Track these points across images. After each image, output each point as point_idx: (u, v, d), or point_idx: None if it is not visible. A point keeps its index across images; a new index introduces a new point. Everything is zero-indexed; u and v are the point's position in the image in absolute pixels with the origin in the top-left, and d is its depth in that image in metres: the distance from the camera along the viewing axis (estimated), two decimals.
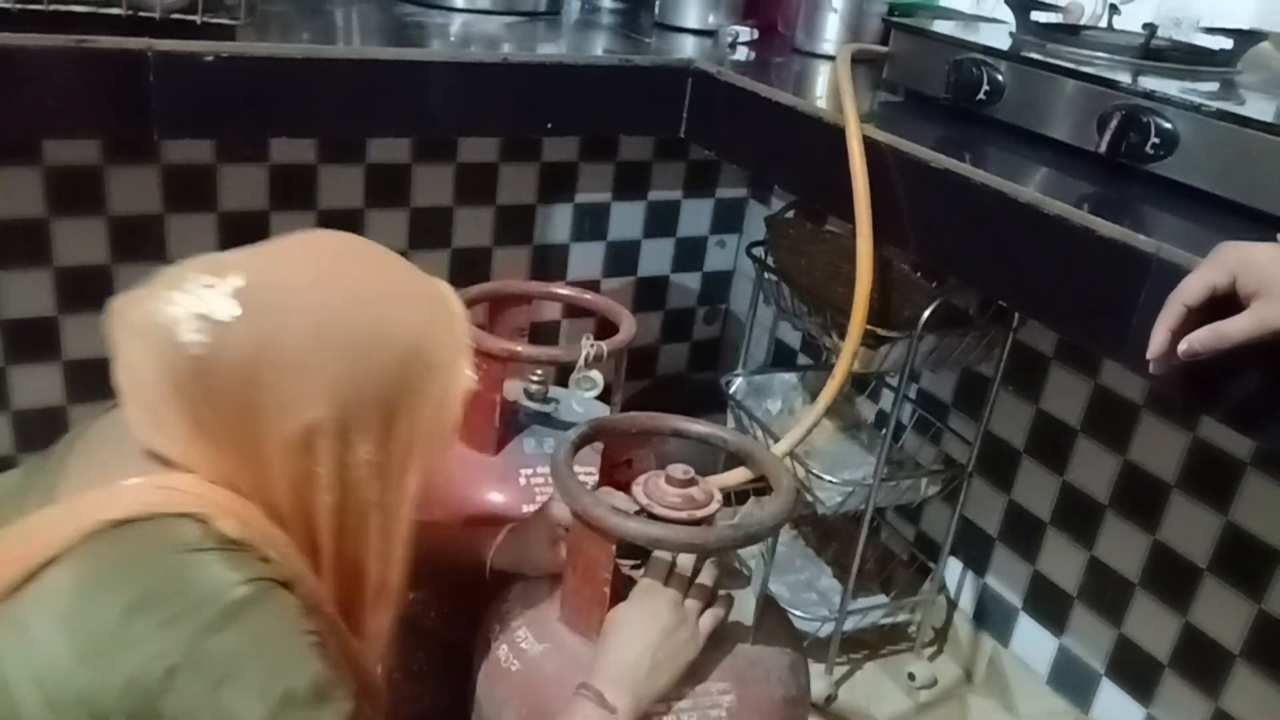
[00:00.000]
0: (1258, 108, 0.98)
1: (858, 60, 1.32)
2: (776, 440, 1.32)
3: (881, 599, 1.67)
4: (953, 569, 1.72)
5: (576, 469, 1.00)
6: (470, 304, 1.35)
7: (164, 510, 0.72)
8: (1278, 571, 1.27)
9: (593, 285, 1.99)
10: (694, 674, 0.95)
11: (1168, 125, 0.96)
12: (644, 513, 0.98)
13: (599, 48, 1.52)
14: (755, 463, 1.08)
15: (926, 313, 1.33)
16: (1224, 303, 0.72)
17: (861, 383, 1.80)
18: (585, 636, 0.97)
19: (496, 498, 1.27)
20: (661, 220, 2.05)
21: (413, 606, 1.33)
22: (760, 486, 1.09)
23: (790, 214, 1.59)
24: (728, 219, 2.12)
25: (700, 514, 0.97)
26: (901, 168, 1.09)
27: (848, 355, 1.21)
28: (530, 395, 1.35)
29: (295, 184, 1.69)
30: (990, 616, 1.68)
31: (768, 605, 1.05)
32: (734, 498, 1.46)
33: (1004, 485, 1.62)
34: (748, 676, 0.97)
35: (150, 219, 1.60)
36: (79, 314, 1.61)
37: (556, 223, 1.94)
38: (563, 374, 1.34)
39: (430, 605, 1.31)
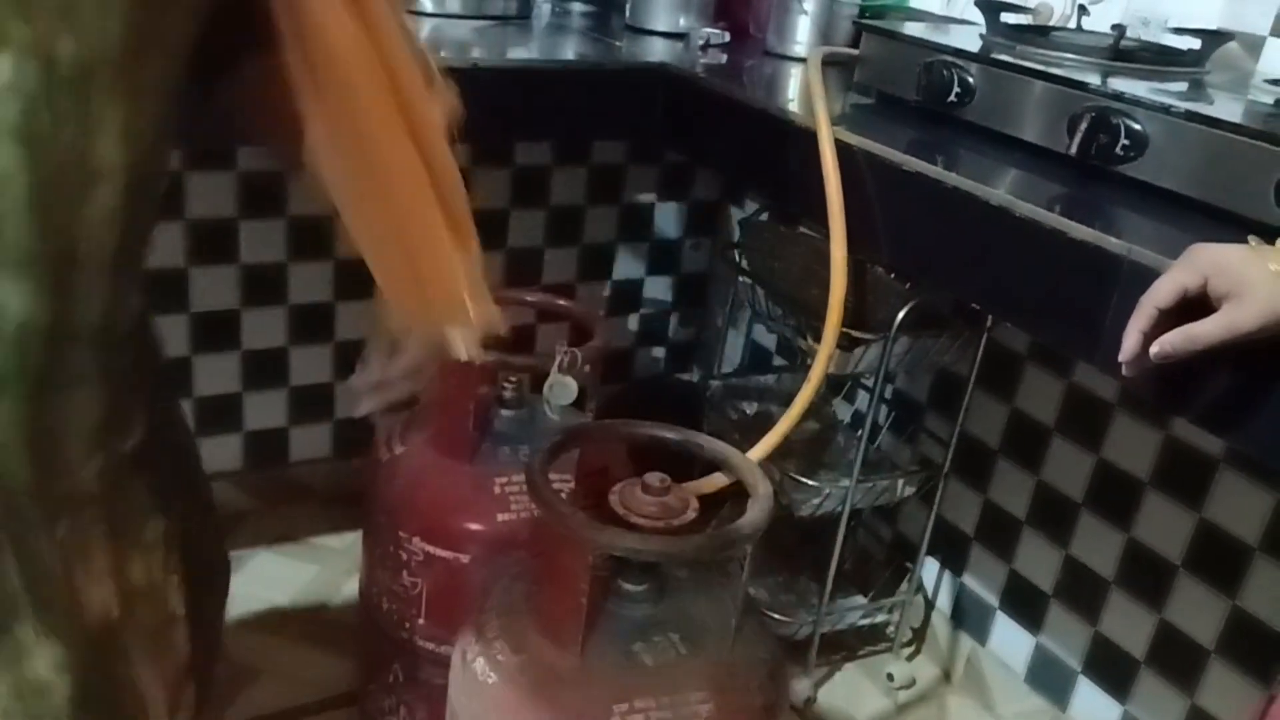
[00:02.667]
0: (1226, 108, 0.99)
1: (829, 63, 1.32)
2: (753, 444, 1.31)
3: (859, 600, 1.67)
4: (930, 569, 1.72)
5: (552, 477, 0.99)
6: None
7: None
8: (1251, 568, 1.28)
9: (567, 289, 1.98)
10: (672, 683, 0.94)
11: (1137, 126, 0.96)
12: (621, 522, 0.97)
13: (570, 51, 1.52)
14: (732, 469, 1.08)
15: (901, 314, 1.33)
16: (1196, 305, 0.72)
17: (837, 384, 1.80)
18: (563, 648, 0.96)
19: (470, 505, 1.26)
20: (636, 224, 2.04)
21: (387, 617, 1.32)
22: (737, 490, 1.09)
23: (764, 216, 1.59)
24: (702, 222, 2.11)
25: (677, 523, 0.97)
26: (874, 171, 1.08)
27: (823, 360, 1.20)
28: (504, 402, 1.34)
29: (263, 191, 1.67)
30: (968, 616, 1.68)
31: (746, 612, 1.05)
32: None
33: (980, 485, 1.63)
34: (727, 685, 0.97)
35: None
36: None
37: (529, 227, 1.93)
38: (537, 380, 1.34)
39: (404, 615, 1.30)
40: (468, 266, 0.73)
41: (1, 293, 0.58)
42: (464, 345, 0.73)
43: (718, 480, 1.13)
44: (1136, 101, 0.97)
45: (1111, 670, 1.46)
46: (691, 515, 0.98)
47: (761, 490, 1.00)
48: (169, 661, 0.77)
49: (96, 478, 0.69)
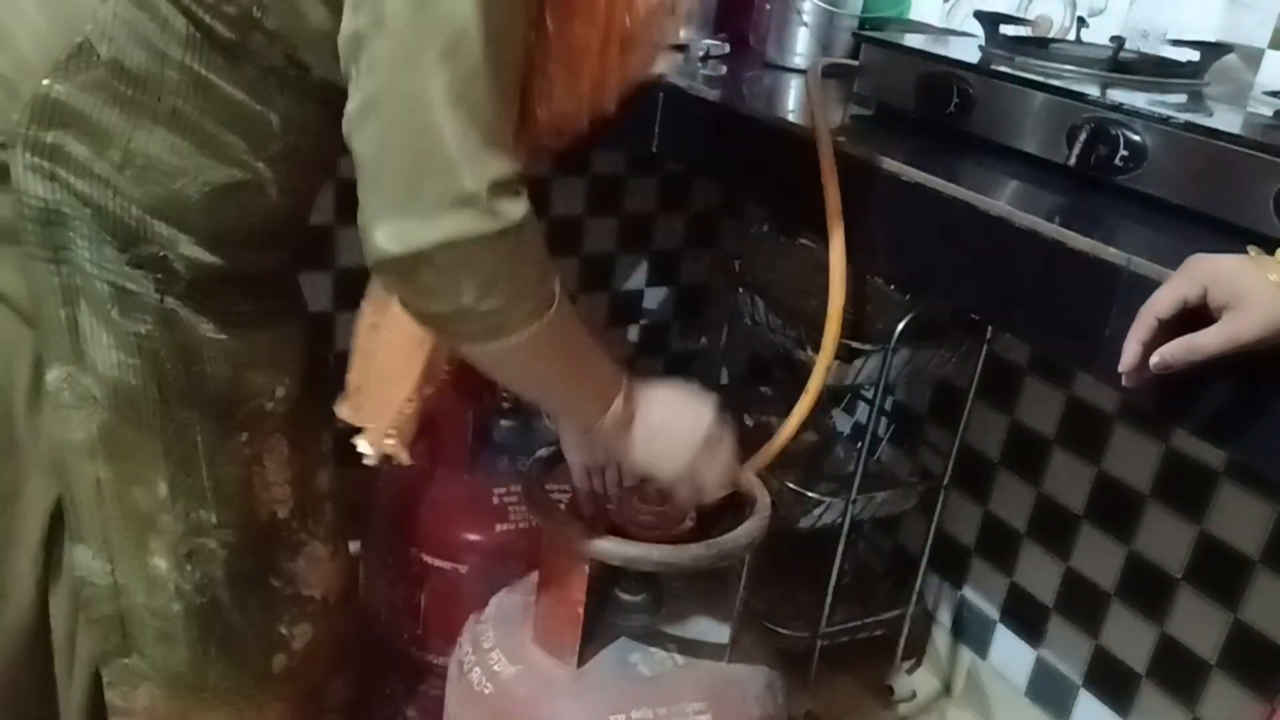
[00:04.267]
0: (1225, 120, 0.99)
1: (829, 74, 1.32)
2: (752, 455, 1.31)
3: (859, 612, 1.66)
4: (930, 581, 1.71)
5: (549, 487, 0.99)
6: None
7: None
8: (1252, 580, 1.27)
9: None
10: (669, 694, 0.94)
11: (1136, 138, 0.96)
12: (618, 532, 0.97)
13: None
14: None
15: (901, 325, 1.33)
16: (1195, 315, 0.72)
17: (836, 395, 1.79)
18: (559, 658, 0.96)
19: (469, 515, 1.25)
20: (635, 234, 2.04)
21: (385, 628, 1.32)
22: (736, 500, 1.08)
23: (764, 227, 1.58)
24: (701, 233, 2.11)
25: (675, 532, 0.96)
26: (873, 181, 1.08)
27: (821, 371, 1.20)
28: (503, 413, 1.34)
29: None
30: (968, 629, 1.68)
31: (744, 622, 1.04)
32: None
33: (980, 497, 1.62)
34: (724, 696, 0.96)
35: None
36: None
37: None
38: None
39: (403, 625, 1.30)
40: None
41: None
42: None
43: None
44: (1135, 113, 0.97)
45: (1112, 683, 1.45)
46: (689, 525, 0.98)
47: (760, 500, 1.00)
48: (327, 567, 0.93)
49: (280, 400, 0.85)
